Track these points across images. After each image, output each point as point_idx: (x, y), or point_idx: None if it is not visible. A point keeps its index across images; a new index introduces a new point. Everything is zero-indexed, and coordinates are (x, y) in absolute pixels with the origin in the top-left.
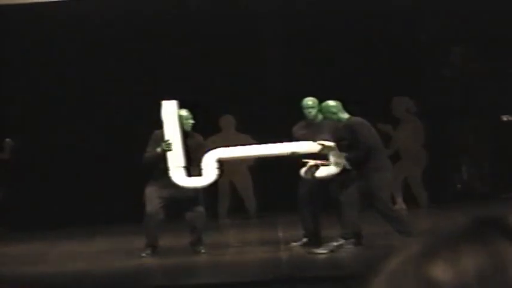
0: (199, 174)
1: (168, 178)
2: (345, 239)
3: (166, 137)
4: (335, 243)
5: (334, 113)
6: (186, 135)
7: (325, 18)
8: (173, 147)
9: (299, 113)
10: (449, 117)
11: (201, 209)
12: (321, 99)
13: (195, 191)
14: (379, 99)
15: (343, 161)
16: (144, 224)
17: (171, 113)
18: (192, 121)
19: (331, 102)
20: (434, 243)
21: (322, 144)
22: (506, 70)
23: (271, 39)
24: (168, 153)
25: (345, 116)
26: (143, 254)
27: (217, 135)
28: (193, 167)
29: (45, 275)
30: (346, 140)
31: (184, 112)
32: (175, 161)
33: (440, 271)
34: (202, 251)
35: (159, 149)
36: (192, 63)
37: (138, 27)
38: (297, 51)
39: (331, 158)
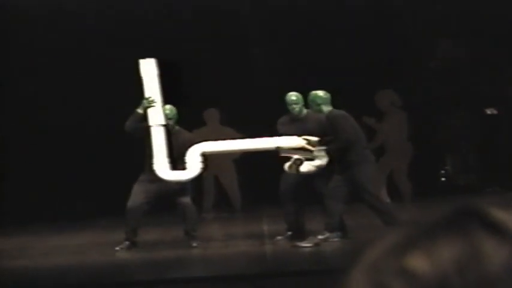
0: (184, 168)
1: (155, 172)
2: (330, 232)
3: (147, 94)
4: (320, 237)
5: (318, 105)
6: (170, 132)
7: (310, 12)
8: (154, 104)
9: (284, 106)
10: (434, 111)
11: (188, 200)
12: (307, 92)
13: (183, 184)
14: (364, 92)
15: (324, 154)
16: (125, 218)
17: (150, 71)
18: (176, 117)
19: (320, 93)
20: (412, 234)
21: (307, 139)
22: (490, 62)
23: (256, 34)
24: (152, 131)
25: (327, 108)
26: (117, 248)
27: (201, 128)
28: (177, 161)
29: (29, 269)
30: (328, 133)
31: (168, 109)
32: (160, 154)
33: (417, 261)
34: (194, 244)
35: (139, 110)
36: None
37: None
38: (282, 46)
39: (315, 153)
